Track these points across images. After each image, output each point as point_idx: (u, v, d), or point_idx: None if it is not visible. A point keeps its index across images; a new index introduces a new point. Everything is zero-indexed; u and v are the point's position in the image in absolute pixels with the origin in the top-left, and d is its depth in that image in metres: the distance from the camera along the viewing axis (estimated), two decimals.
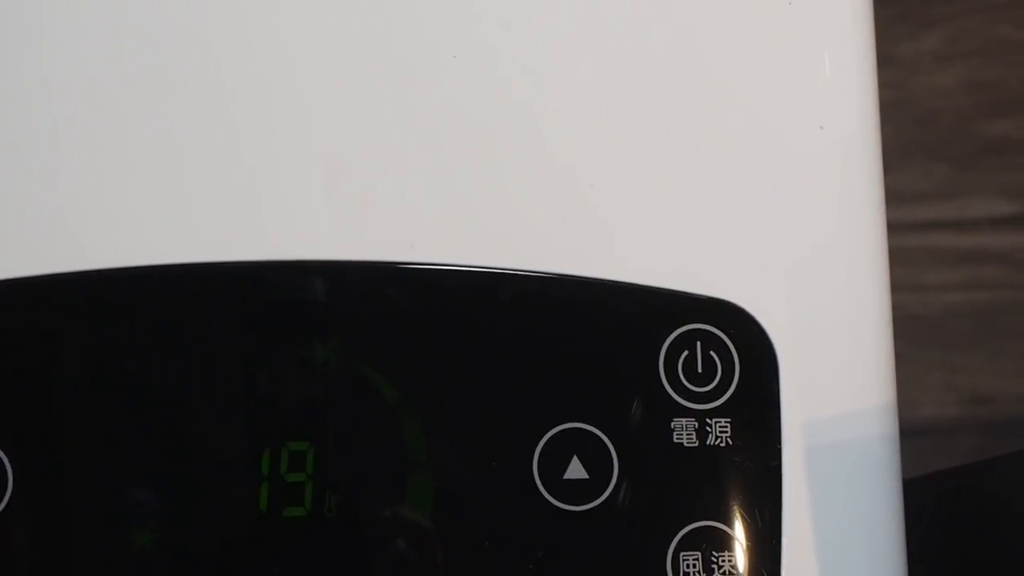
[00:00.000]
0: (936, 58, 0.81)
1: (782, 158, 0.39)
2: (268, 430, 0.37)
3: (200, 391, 0.36)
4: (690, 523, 0.37)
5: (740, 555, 0.37)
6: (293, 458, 0.36)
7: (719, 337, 0.38)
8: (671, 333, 0.37)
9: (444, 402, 0.37)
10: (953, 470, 0.47)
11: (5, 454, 0.36)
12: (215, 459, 0.36)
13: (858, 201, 0.39)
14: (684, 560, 0.37)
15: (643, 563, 0.37)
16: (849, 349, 0.39)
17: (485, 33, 0.39)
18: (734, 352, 0.38)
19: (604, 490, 0.37)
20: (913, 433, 0.74)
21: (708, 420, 0.37)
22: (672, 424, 0.37)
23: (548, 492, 0.37)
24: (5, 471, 0.36)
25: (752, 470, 0.37)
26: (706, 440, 0.37)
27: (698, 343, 0.38)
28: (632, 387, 0.37)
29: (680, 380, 0.37)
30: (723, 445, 0.37)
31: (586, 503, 0.37)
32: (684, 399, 0.37)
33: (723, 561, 0.37)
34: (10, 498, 0.36)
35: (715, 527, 0.37)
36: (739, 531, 0.37)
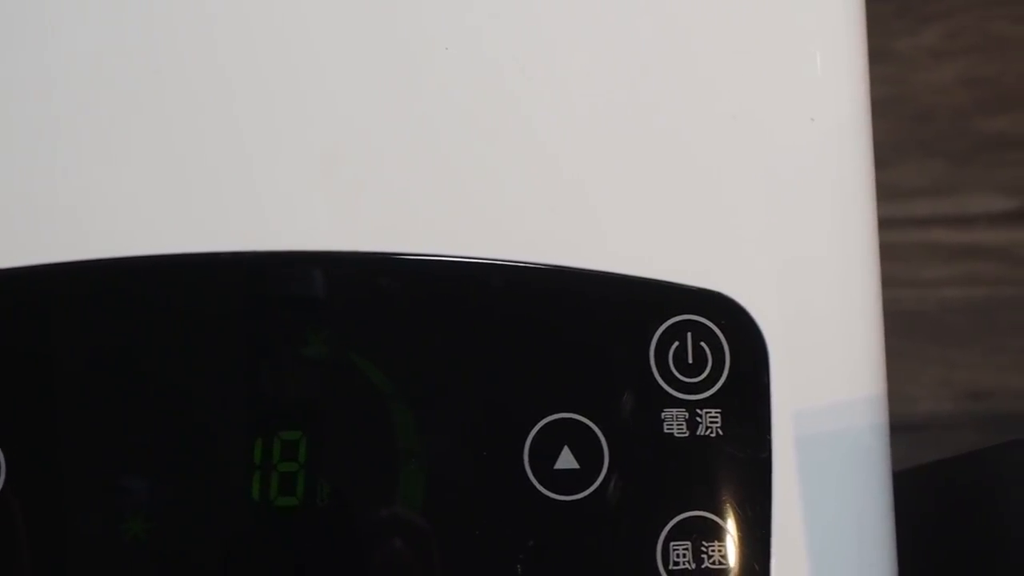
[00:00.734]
0: (933, 54, 0.81)
1: (773, 150, 0.39)
2: (260, 420, 0.37)
3: (193, 381, 0.37)
4: (680, 513, 0.37)
5: (730, 545, 0.37)
6: (285, 448, 0.37)
7: (710, 328, 0.38)
8: (662, 324, 0.38)
9: (435, 392, 0.37)
10: (943, 462, 0.47)
11: None
12: (208, 448, 0.37)
13: (849, 194, 0.39)
14: (674, 550, 0.37)
15: (633, 552, 0.37)
16: (839, 340, 0.39)
17: (476, 25, 0.39)
18: (724, 343, 0.38)
19: (595, 480, 0.37)
20: (910, 428, 0.75)
21: (698, 411, 0.37)
22: (663, 414, 0.37)
23: (539, 482, 0.37)
24: None
25: (742, 460, 0.38)
26: (696, 431, 0.37)
27: (689, 334, 0.38)
28: (623, 377, 0.37)
29: (671, 371, 0.37)
30: (713, 435, 0.37)
31: (577, 493, 0.37)
32: (675, 390, 0.37)
33: (713, 551, 0.37)
34: (3, 486, 0.36)
35: (705, 517, 0.37)
36: (729, 521, 0.37)
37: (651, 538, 0.37)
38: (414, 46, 0.39)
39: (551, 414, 0.37)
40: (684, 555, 0.37)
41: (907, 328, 0.78)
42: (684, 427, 0.37)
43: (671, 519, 0.37)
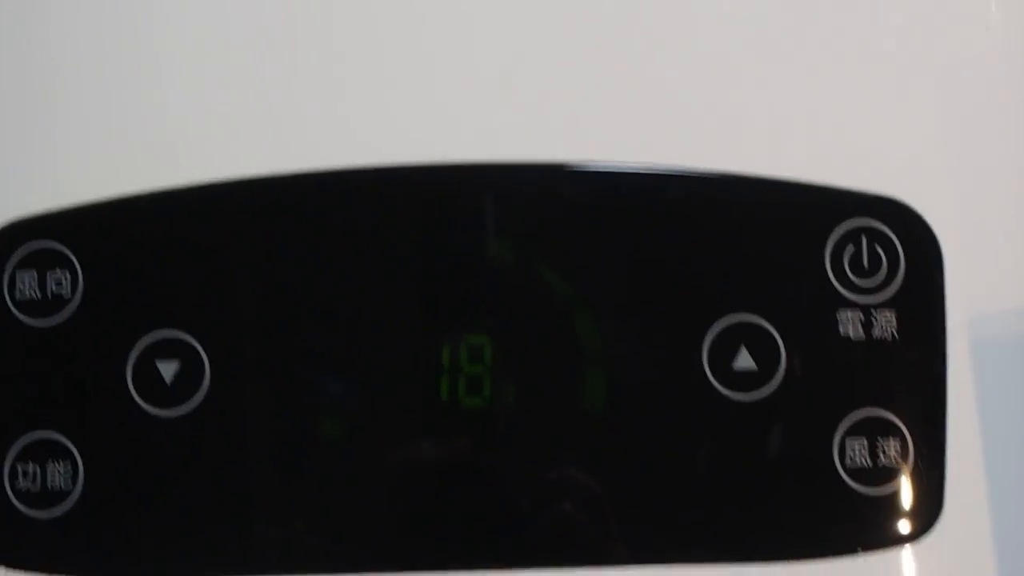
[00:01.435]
0: None
1: (949, 57, 0.39)
2: (447, 325, 0.38)
3: (383, 289, 0.38)
4: (856, 411, 0.38)
5: (904, 443, 0.38)
6: (472, 351, 0.38)
7: (885, 233, 0.38)
8: (838, 228, 0.38)
9: (616, 297, 0.38)
10: None
11: (204, 350, 0.38)
12: (398, 352, 0.38)
13: (1018, 94, 0.40)
14: (850, 447, 0.38)
15: (810, 450, 0.38)
16: (1014, 246, 0.39)
17: None
18: (899, 247, 0.38)
19: (772, 379, 0.38)
20: None
21: (874, 312, 0.38)
22: (838, 316, 0.38)
23: (718, 382, 0.38)
24: (203, 366, 0.38)
25: (917, 362, 0.38)
26: (872, 332, 0.38)
27: (864, 238, 0.38)
28: (799, 280, 0.38)
29: (846, 274, 0.38)
30: (889, 337, 0.38)
31: (755, 392, 0.38)
32: (850, 292, 0.38)
33: (888, 448, 0.38)
34: (208, 391, 0.38)
35: (881, 416, 0.38)
36: (904, 421, 0.38)
37: (827, 436, 0.38)
38: None
39: (729, 316, 0.38)
40: (860, 452, 0.38)
41: None
42: (860, 329, 0.38)
43: (847, 418, 0.38)
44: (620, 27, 0.39)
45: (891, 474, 0.38)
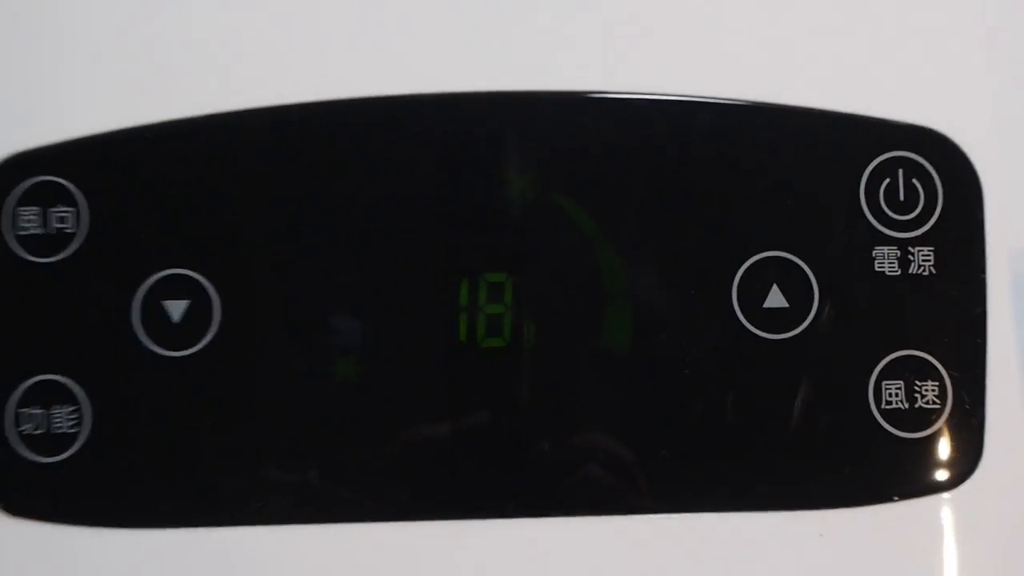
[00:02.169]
0: None
1: None
2: (466, 263, 0.37)
3: (398, 224, 0.37)
4: (892, 352, 0.37)
5: (943, 385, 0.36)
6: (491, 290, 0.37)
7: (922, 165, 0.37)
8: (872, 160, 0.37)
9: (642, 232, 0.37)
10: None
11: (214, 288, 0.36)
12: (414, 291, 0.37)
13: None
14: (886, 389, 0.36)
15: (845, 392, 0.36)
16: None
17: None
18: (937, 180, 0.37)
19: (805, 319, 0.37)
20: None
21: (910, 249, 0.37)
22: (873, 252, 0.37)
23: (748, 321, 0.37)
24: (213, 305, 0.37)
25: (956, 299, 0.37)
26: (908, 268, 0.37)
27: (900, 171, 0.37)
28: (832, 215, 0.37)
29: (882, 208, 0.37)
30: (926, 274, 0.37)
31: (786, 331, 0.37)
32: (886, 227, 0.37)
33: (926, 390, 0.37)
34: (217, 331, 0.37)
35: (918, 356, 0.37)
36: (942, 361, 0.37)
37: (863, 377, 0.36)
38: None
39: (759, 252, 0.37)
40: (897, 394, 0.36)
41: None
42: (896, 265, 0.37)
43: (883, 358, 0.37)
44: None
45: (929, 417, 0.37)
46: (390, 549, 0.36)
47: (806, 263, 0.37)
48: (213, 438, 0.36)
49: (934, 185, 0.37)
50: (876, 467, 0.37)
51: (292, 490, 0.36)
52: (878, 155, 0.37)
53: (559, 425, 0.37)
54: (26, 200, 0.37)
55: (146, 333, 0.37)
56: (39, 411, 0.36)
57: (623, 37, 0.37)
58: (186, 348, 0.37)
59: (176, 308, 0.37)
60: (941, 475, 0.37)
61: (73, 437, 0.36)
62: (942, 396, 0.37)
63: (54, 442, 0.36)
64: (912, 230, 0.37)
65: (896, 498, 0.36)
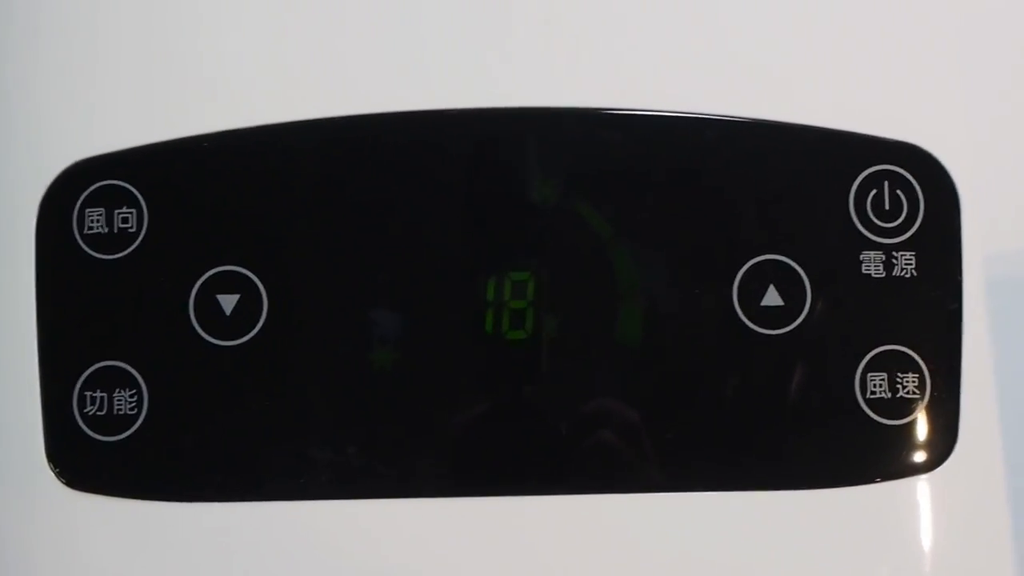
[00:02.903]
0: None
1: (966, 9, 0.42)
2: (493, 262, 0.40)
3: (433, 228, 0.40)
4: (877, 347, 0.40)
5: (922, 377, 0.40)
6: (515, 287, 0.40)
7: (905, 177, 0.41)
8: (861, 173, 0.41)
9: (652, 236, 0.40)
10: None
11: (262, 284, 0.40)
12: (446, 287, 0.40)
13: None
14: (871, 380, 0.40)
15: (834, 383, 0.40)
16: None
17: None
18: (919, 191, 0.41)
19: (798, 316, 0.40)
20: None
21: (894, 253, 0.40)
22: (861, 256, 0.40)
23: (747, 317, 0.40)
24: (262, 299, 0.40)
25: (935, 299, 0.41)
26: (892, 271, 0.40)
27: (885, 182, 0.41)
28: (824, 222, 0.40)
29: (869, 216, 0.40)
30: (908, 276, 0.40)
31: (781, 327, 0.40)
32: (872, 234, 0.40)
33: (907, 382, 0.40)
34: (265, 323, 0.40)
35: (900, 351, 0.40)
36: (922, 355, 0.40)
37: (850, 369, 0.40)
38: None
39: (758, 255, 0.40)
40: (881, 385, 0.40)
41: None
42: (881, 268, 0.40)
43: (869, 352, 0.40)
44: None
45: (909, 406, 0.40)
46: (421, 522, 0.40)
47: (800, 265, 0.40)
48: (259, 420, 0.40)
49: (916, 196, 0.41)
50: (861, 451, 0.40)
51: (332, 468, 0.40)
52: (866, 168, 0.41)
53: (575, 410, 0.40)
54: (92, 202, 0.40)
55: (200, 324, 0.40)
56: (102, 394, 0.40)
57: (638, 59, 0.41)
58: (236, 338, 0.40)
59: (228, 302, 0.40)
60: (920, 458, 0.40)
61: (132, 419, 0.40)
62: (921, 387, 0.40)
63: (115, 423, 0.40)
64: (896, 236, 0.41)
65: (879, 479, 0.40)
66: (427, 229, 0.40)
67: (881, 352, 0.40)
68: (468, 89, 0.41)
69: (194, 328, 0.40)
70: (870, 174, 0.41)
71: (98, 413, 0.40)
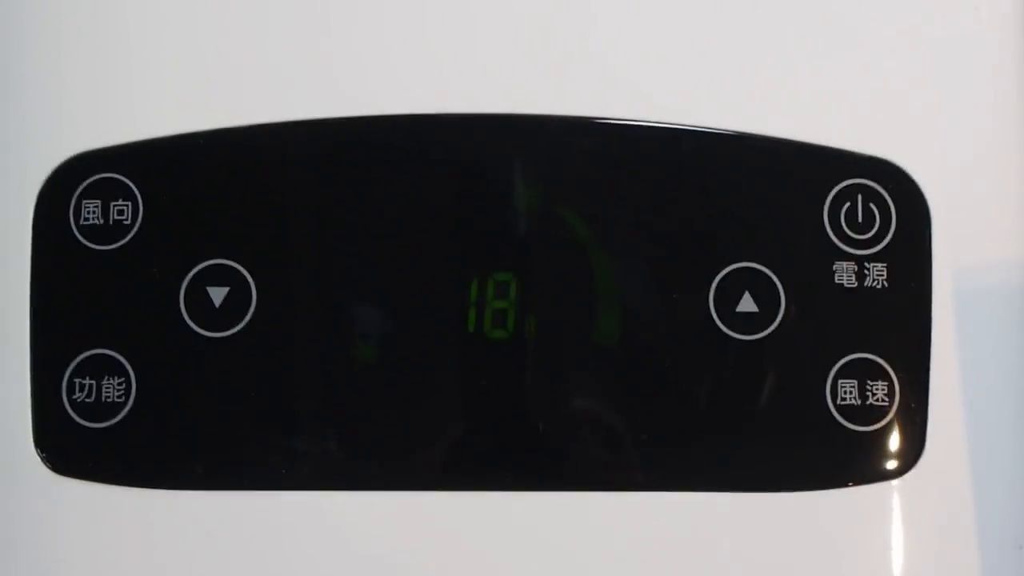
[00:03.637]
0: None
1: (939, 34, 0.43)
2: (476, 263, 0.42)
3: (419, 228, 0.42)
4: (848, 354, 0.41)
5: (892, 385, 0.41)
6: (498, 288, 0.41)
7: (878, 191, 0.42)
8: (835, 186, 0.42)
9: (632, 242, 0.42)
10: None
11: (251, 278, 0.41)
12: (430, 286, 0.41)
13: (1007, 72, 0.43)
14: (842, 387, 0.41)
15: (805, 388, 0.41)
16: (997, 204, 0.43)
17: None
18: (891, 205, 0.42)
19: (772, 322, 0.41)
20: None
21: (866, 264, 0.42)
22: (834, 266, 0.42)
23: (722, 322, 0.41)
24: (250, 293, 0.41)
25: (905, 310, 0.42)
26: (864, 282, 0.42)
27: (859, 196, 0.42)
28: (799, 232, 0.42)
29: (842, 228, 0.42)
30: (879, 287, 0.42)
31: (756, 333, 0.41)
32: (845, 245, 0.42)
33: (877, 389, 0.41)
34: (253, 315, 0.41)
35: (870, 359, 0.41)
36: (892, 364, 0.41)
37: (821, 376, 0.41)
38: None
39: (734, 263, 0.41)
40: (851, 392, 0.41)
41: None
42: (853, 278, 0.42)
43: (839, 360, 0.41)
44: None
45: (879, 413, 0.41)
46: (400, 515, 0.41)
47: (775, 274, 0.41)
48: (245, 410, 0.41)
49: (889, 209, 0.42)
50: (832, 456, 0.41)
51: (314, 459, 0.41)
52: (840, 182, 0.42)
53: (553, 407, 0.41)
54: (89, 194, 0.41)
55: (190, 315, 0.41)
56: (91, 382, 0.41)
57: (621, 72, 0.42)
58: (225, 330, 0.41)
59: (218, 294, 0.41)
60: (889, 464, 0.41)
61: (120, 406, 0.41)
62: (891, 395, 0.41)
63: (103, 410, 0.41)
64: (868, 248, 0.42)
65: (849, 484, 0.41)
66: (413, 229, 0.42)
67: (852, 360, 0.41)
68: (455, 95, 0.42)
69: (184, 319, 0.41)
70: (844, 187, 0.42)
71: (86, 400, 0.41)
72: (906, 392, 0.41)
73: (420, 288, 0.41)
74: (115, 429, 0.41)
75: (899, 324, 0.42)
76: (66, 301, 0.41)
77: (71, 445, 0.41)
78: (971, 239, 0.42)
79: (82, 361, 0.41)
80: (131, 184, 0.41)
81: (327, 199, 0.42)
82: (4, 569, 0.41)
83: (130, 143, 0.41)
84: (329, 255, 0.41)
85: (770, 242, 0.42)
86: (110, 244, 0.41)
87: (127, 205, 0.41)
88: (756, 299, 0.41)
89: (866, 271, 0.42)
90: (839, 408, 0.41)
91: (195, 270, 0.41)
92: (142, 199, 0.41)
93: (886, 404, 0.41)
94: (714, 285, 0.41)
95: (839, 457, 0.41)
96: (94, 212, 0.41)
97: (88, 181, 0.41)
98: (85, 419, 0.41)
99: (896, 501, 0.41)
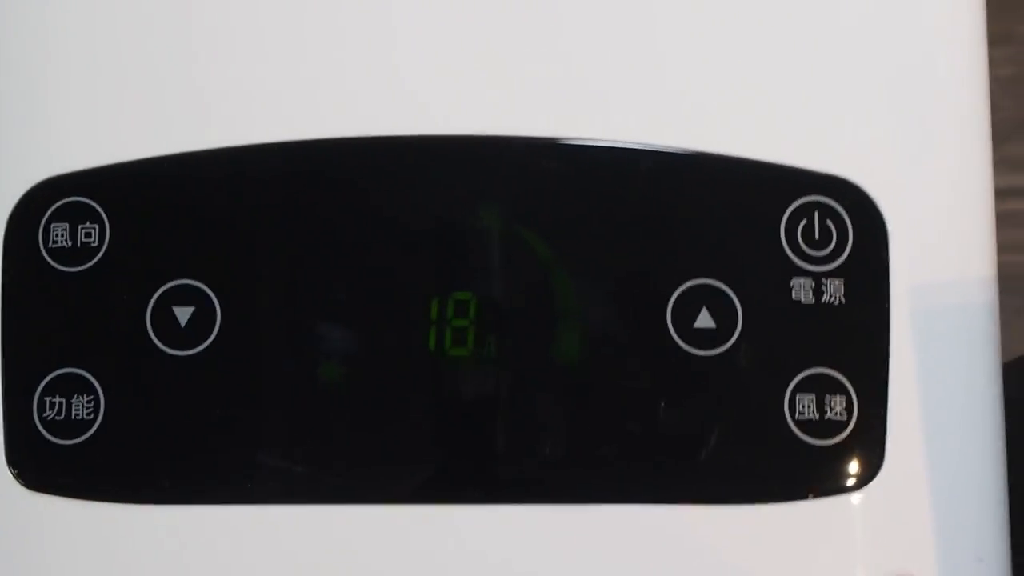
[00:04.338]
0: None
1: (896, 51, 0.44)
2: (437, 282, 0.42)
3: (380, 248, 0.42)
4: (806, 369, 0.42)
5: (850, 399, 0.42)
6: (458, 306, 0.42)
7: (835, 209, 0.42)
8: (792, 203, 0.42)
9: (590, 260, 0.42)
10: None
11: (216, 298, 0.42)
12: (392, 305, 0.42)
13: (962, 91, 0.44)
14: (800, 401, 0.42)
15: (763, 403, 0.42)
16: (953, 222, 0.43)
17: None
18: (848, 222, 0.42)
19: (729, 338, 0.42)
20: None
21: (824, 281, 0.42)
22: (791, 283, 0.42)
23: (680, 338, 0.42)
24: (215, 312, 0.42)
25: (863, 325, 0.42)
26: (821, 298, 0.42)
27: (816, 213, 0.42)
28: (756, 249, 0.42)
29: (799, 245, 0.42)
30: (837, 303, 0.42)
31: (713, 349, 0.42)
32: (802, 261, 0.42)
33: (835, 404, 0.42)
34: (218, 335, 0.42)
35: (828, 374, 0.42)
36: (850, 379, 0.42)
37: (779, 391, 0.42)
38: None
39: (692, 279, 0.42)
40: (809, 406, 0.42)
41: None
42: (811, 294, 0.42)
43: (797, 375, 0.42)
44: (592, 19, 0.43)
45: (837, 427, 0.42)
46: (364, 528, 0.41)
47: (732, 290, 0.42)
48: (211, 427, 0.42)
49: (846, 226, 0.42)
50: (791, 470, 0.42)
51: (280, 474, 0.42)
52: (797, 199, 0.42)
53: (513, 423, 0.42)
54: (57, 217, 0.42)
55: (156, 334, 0.42)
56: (60, 399, 0.42)
57: (577, 92, 0.43)
58: (190, 348, 0.42)
59: (183, 313, 0.42)
60: (848, 478, 0.42)
61: (89, 423, 0.42)
62: (849, 409, 0.42)
63: (72, 427, 0.42)
64: (825, 264, 0.42)
65: (808, 497, 0.42)
66: (374, 249, 0.42)
67: (810, 375, 0.42)
68: (415, 117, 0.43)
69: (150, 338, 0.42)
70: (801, 204, 0.42)
71: (56, 417, 0.42)
72: (864, 406, 0.42)
73: (382, 307, 0.42)
74: (85, 445, 0.42)
75: (857, 339, 0.42)
76: (36, 321, 0.42)
77: (42, 461, 0.42)
78: (928, 256, 0.43)
79: (52, 380, 0.42)
80: (98, 207, 0.42)
81: (289, 221, 0.42)
82: None
83: (97, 167, 0.42)
84: (292, 275, 0.42)
85: (727, 259, 0.42)
86: (78, 266, 0.42)
87: (94, 228, 0.42)
88: (714, 315, 0.42)
89: (823, 287, 0.42)
90: (798, 423, 0.42)
91: (161, 290, 0.42)
92: (109, 222, 0.42)
93: (844, 418, 0.42)
94: (672, 302, 0.42)
95: (798, 470, 0.42)
96: (62, 235, 0.42)
97: (56, 204, 0.42)
98: (55, 436, 0.42)
99: (856, 514, 0.42)
